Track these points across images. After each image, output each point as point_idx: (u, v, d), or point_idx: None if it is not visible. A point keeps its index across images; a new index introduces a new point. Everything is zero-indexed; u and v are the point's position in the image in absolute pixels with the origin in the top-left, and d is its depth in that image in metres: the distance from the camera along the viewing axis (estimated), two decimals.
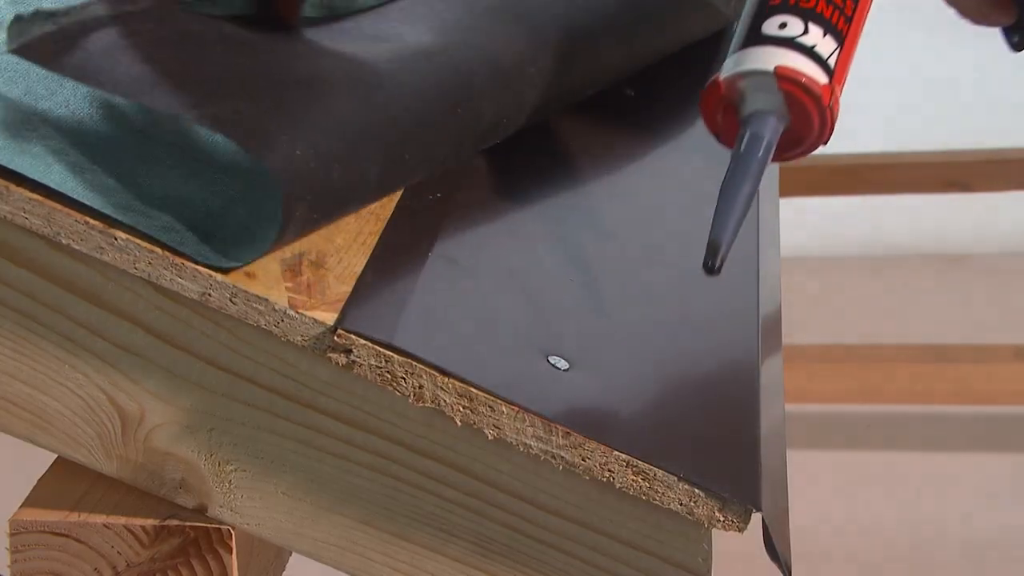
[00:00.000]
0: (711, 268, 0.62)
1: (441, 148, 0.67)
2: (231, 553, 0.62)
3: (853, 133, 2.55)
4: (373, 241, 0.63)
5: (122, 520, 0.62)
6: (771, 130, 0.63)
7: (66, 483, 0.64)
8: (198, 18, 0.67)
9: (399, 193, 0.67)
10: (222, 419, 0.61)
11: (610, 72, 0.81)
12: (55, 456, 0.65)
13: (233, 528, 0.62)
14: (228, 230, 0.60)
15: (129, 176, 0.61)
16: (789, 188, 2.05)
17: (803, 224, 2.31)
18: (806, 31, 0.63)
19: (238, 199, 0.61)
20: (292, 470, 0.62)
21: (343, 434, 0.61)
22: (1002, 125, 2.70)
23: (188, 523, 0.62)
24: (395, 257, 0.63)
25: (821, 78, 0.63)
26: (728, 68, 0.64)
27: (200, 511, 0.63)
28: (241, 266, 0.59)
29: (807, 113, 0.63)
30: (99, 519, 0.62)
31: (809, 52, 0.63)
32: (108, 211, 0.58)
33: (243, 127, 0.60)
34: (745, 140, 0.63)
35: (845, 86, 0.64)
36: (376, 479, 0.61)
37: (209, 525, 0.62)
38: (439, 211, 0.67)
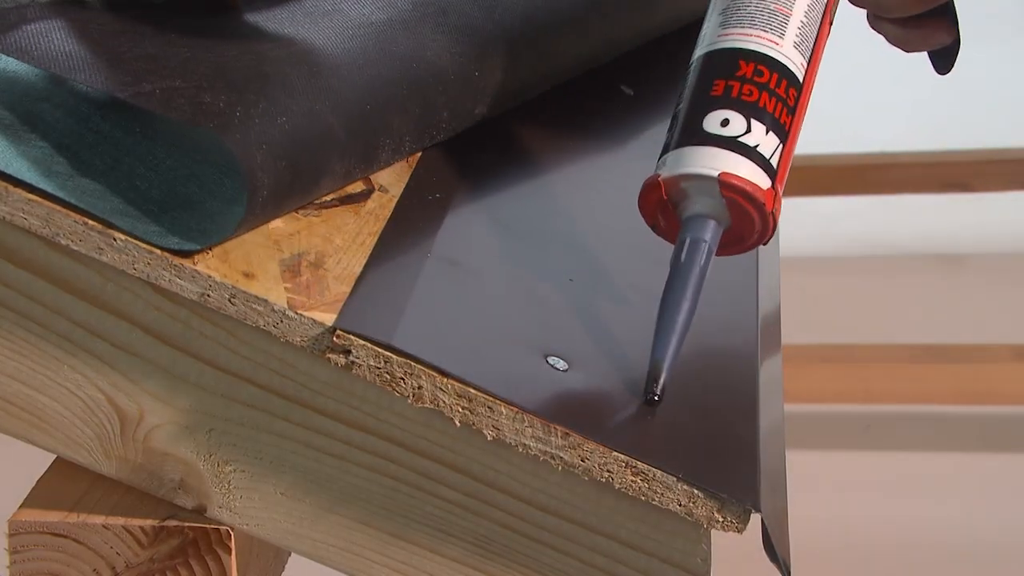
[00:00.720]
0: (652, 398, 0.60)
1: (398, 117, 0.67)
2: (230, 554, 0.62)
3: (853, 133, 2.56)
4: (372, 242, 0.63)
5: (121, 521, 0.62)
6: (711, 235, 0.62)
7: (65, 484, 0.64)
8: (138, 11, 0.67)
9: (398, 193, 0.67)
10: (221, 420, 0.61)
11: (590, 48, 0.80)
12: (54, 457, 0.65)
13: (232, 529, 0.62)
14: (191, 213, 0.60)
15: (81, 159, 0.61)
16: (789, 188, 2.04)
17: (803, 224, 2.31)
18: (749, 129, 0.62)
19: (199, 182, 0.61)
20: (291, 471, 0.62)
21: (342, 435, 0.61)
22: (1002, 125, 2.70)
23: (187, 524, 0.62)
24: (394, 257, 0.63)
25: (764, 182, 0.62)
26: (669, 167, 0.62)
27: (199, 512, 0.63)
28: (200, 249, 0.59)
29: (750, 219, 0.62)
30: (98, 520, 0.62)
31: (752, 153, 0.62)
32: (59, 193, 0.58)
33: (182, 103, 0.60)
34: (686, 248, 0.62)
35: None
36: (375, 479, 0.61)
37: (208, 526, 0.62)
38: (438, 211, 0.67)
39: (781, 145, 0.63)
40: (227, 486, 0.62)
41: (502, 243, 0.68)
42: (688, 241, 0.62)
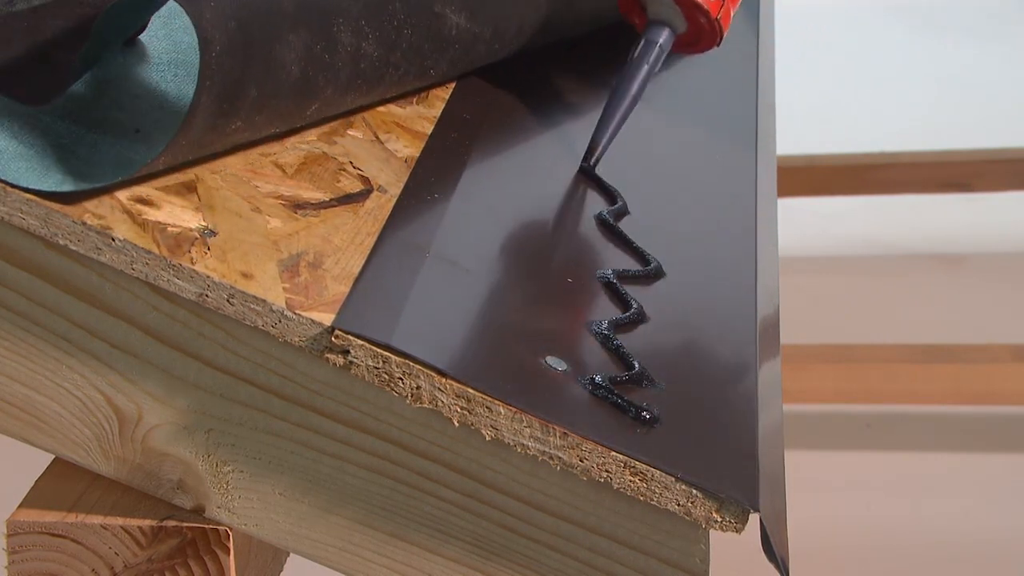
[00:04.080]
0: (588, 167, 0.75)
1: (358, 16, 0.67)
2: (229, 554, 0.62)
3: (853, 133, 2.56)
4: (371, 242, 0.63)
5: (119, 521, 0.62)
6: (664, 39, 0.76)
7: (63, 484, 0.64)
8: None
9: (397, 193, 0.67)
10: (220, 420, 0.61)
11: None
12: (52, 457, 0.65)
13: (231, 529, 0.62)
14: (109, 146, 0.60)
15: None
16: (789, 188, 2.05)
17: (803, 224, 2.31)
18: None
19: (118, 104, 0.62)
20: (290, 471, 0.62)
21: (341, 435, 0.61)
22: (1002, 125, 2.70)
23: (186, 524, 0.62)
24: (392, 258, 0.63)
25: None
26: None
27: (198, 512, 0.63)
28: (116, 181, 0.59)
29: (699, 23, 0.76)
30: (96, 520, 0.62)
31: None
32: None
33: None
34: (640, 45, 0.76)
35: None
36: (374, 480, 0.61)
37: (207, 526, 0.62)
38: (437, 211, 0.67)
39: None
40: (225, 486, 0.62)
41: (501, 243, 0.68)
42: (643, 42, 0.76)
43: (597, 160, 0.75)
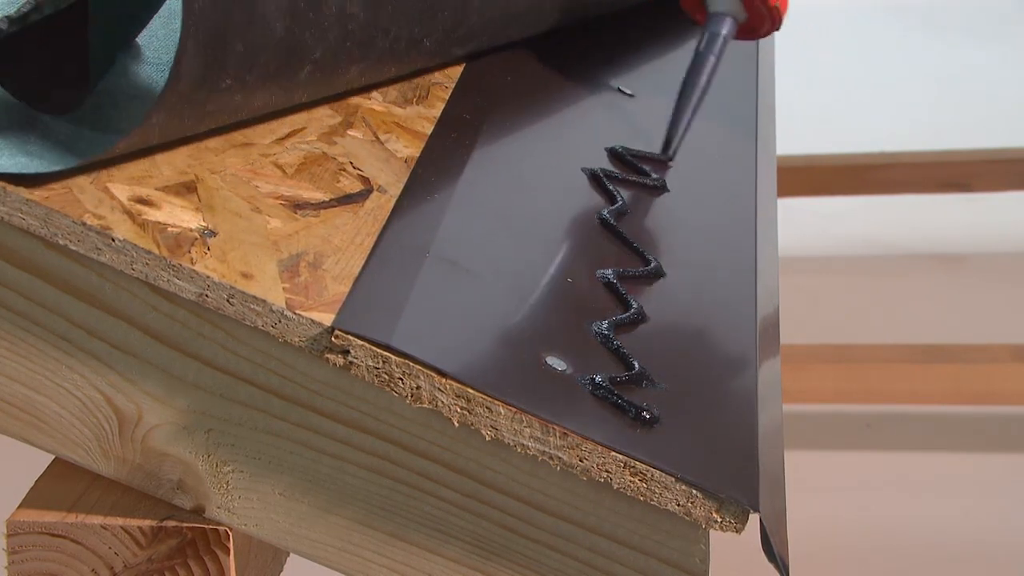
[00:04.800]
0: (669, 158, 0.79)
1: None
2: (228, 554, 0.62)
3: (853, 133, 2.56)
4: (370, 242, 0.63)
5: (119, 521, 0.62)
6: (727, 30, 0.81)
7: (63, 484, 0.64)
8: None
9: (397, 194, 0.67)
10: (219, 420, 0.61)
11: None
12: (52, 457, 0.65)
13: (231, 529, 0.62)
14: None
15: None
16: (789, 188, 2.05)
17: (802, 224, 2.31)
18: None
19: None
20: (289, 471, 0.62)
21: (340, 435, 0.61)
22: (1002, 125, 2.70)
23: (186, 524, 0.62)
24: (392, 258, 0.63)
25: None
26: None
27: (198, 512, 0.63)
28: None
29: (758, 11, 0.82)
30: (96, 520, 0.62)
31: None
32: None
33: None
34: (705, 38, 0.81)
35: None
36: (373, 480, 0.61)
37: (207, 526, 0.62)
38: (436, 211, 0.67)
39: None
40: (225, 486, 0.62)
41: (501, 243, 0.68)
42: (708, 34, 0.81)
43: (675, 152, 0.80)
